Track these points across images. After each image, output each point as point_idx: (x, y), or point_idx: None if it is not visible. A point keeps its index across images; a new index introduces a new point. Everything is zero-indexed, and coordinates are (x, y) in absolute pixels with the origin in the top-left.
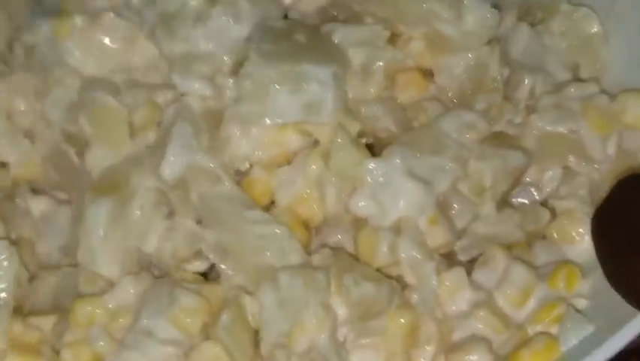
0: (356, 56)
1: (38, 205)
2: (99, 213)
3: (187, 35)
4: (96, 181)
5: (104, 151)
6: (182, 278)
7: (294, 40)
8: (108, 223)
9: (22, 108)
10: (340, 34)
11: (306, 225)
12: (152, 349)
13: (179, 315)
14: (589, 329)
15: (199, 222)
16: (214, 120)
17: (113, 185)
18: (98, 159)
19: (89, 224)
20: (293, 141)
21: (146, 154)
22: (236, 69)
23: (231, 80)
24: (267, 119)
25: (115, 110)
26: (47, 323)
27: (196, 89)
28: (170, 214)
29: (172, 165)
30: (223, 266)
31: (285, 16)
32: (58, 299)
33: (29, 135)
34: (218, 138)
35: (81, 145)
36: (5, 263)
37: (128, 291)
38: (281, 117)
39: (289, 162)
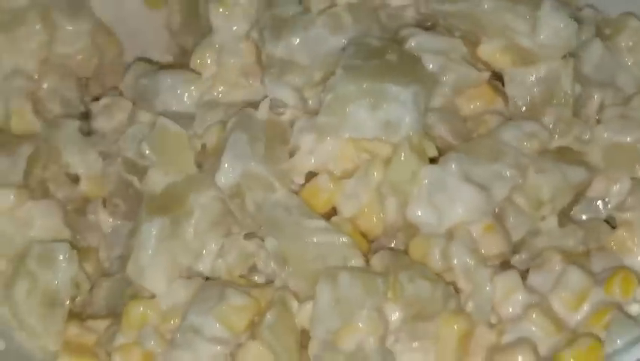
0: (428, 63)
1: (108, 219)
2: (151, 230)
3: (288, 42)
4: (152, 199)
5: (166, 174)
6: (234, 281)
7: (385, 59)
8: (159, 241)
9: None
10: (416, 40)
11: (365, 236)
12: (200, 347)
13: (226, 313)
14: (636, 332)
15: (252, 233)
16: (274, 132)
17: (168, 204)
18: (158, 182)
19: (141, 240)
20: (363, 156)
21: (205, 168)
22: (325, 82)
23: (316, 93)
24: (343, 133)
25: (175, 134)
26: (103, 326)
27: (284, 97)
28: (228, 233)
29: (227, 173)
30: (283, 275)
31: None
32: (111, 304)
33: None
34: (279, 147)
35: (143, 172)
36: (64, 264)
37: (180, 293)
38: (357, 132)
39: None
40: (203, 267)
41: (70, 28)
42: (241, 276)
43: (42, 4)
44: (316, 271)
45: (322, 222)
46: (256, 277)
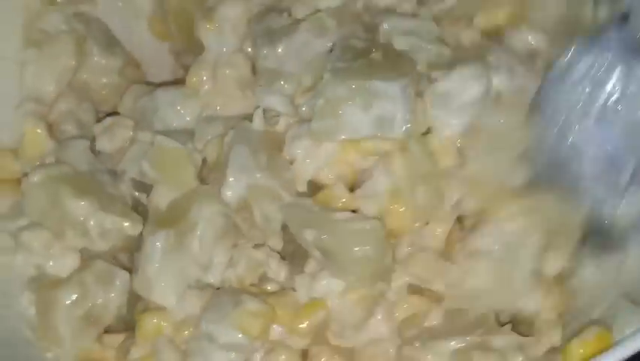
0: (398, 44)
1: None
2: (155, 243)
3: (275, 51)
4: (157, 214)
5: (170, 190)
6: (247, 289)
7: (370, 58)
8: (165, 254)
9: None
10: (388, 23)
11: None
12: (214, 355)
13: (243, 318)
14: None
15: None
16: (272, 142)
17: (172, 217)
18: (163, 197)
19: (146, 254)
20: (360, 159)
21: (207, 185)
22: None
23: (307, 99)
24: (339, 135)
25: (173, 150)
26: (118, 341)
27: (275, 105)
28: (235, 244)
29: (232, 187)
30: (325, 271)
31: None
32: (126, 319)
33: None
34: (279, 157)
35: (150, 190)
36: (119, 290)
37: (193, 303)
38: (354, 133)
39: (357, 181)
40: (213, 278)
41: (103, 61)
42: (252, 285)
43: (79, 32)
44: (357, 258)
45: (347, 213)
46: (268, 287)
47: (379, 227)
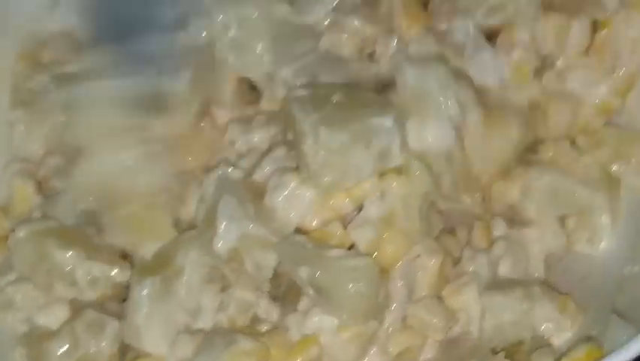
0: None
1: None
2: (142, 291)
3: None
4: (142, 262)
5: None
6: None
7: (336, 102)
8: (152, 301)
9: None
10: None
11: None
12: None
13: (236, 357)
14: (630, 329)
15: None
16: (255, 190)
17: (158, 265)
18: (147, 248)
19: (133, 303)
20: (343, 204)
21: (195, 234)
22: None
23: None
24: (348, 182)
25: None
26: None
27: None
28: (224, 288)
29: (225, 238)
30: (317, 308)
31: None
32: None
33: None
34: (263, 206)
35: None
36: (109, 339)
37: (185, 348)
38: (359, 175)
39: (344, 225)
40: (204, 323)
41: None
42: (244, 326)
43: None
44: (351, 295)
45: (341, 250)
46: (260, 327)
47: (372, 264)
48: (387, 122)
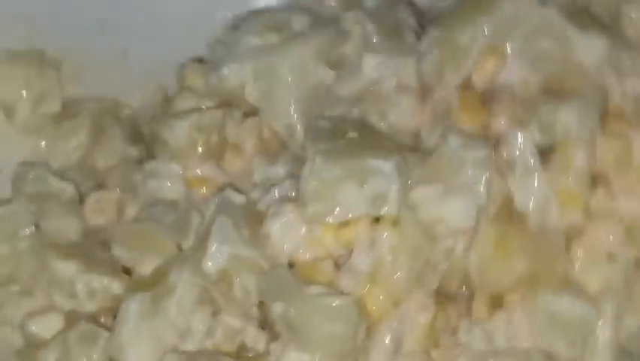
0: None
1: None
2: (131, 306)
3: None
4: (138, 277)
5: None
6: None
7: (349, 138)
8: (140, 317)
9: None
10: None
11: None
12: None
13: None
14: None
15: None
16: (254, 215)
17: (151, 281)
18: (146, 265)
19: (121, 316)
20: (334, 244)
21: (190, 253)
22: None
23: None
24: (334, 216)
25: (150, 232)
26: None
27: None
28: (214, 313)
29: (215, 258)
30: (292, 343)
31: None
32: None
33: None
34: (259, 232)
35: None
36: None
37: None
38: (347, 212)
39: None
40: (192, 345)
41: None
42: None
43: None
44: (325, 335)
45: (321, 288)
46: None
47: (353, 305)
48: (386, 166)
